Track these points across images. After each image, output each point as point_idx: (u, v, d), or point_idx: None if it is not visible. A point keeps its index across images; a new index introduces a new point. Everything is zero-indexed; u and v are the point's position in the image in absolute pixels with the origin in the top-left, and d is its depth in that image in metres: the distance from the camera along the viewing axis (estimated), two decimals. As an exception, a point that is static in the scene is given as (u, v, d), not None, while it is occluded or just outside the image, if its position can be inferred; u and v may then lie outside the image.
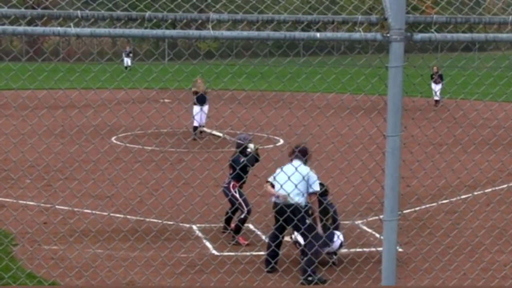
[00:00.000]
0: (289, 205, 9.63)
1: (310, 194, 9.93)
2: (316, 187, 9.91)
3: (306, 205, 9.87)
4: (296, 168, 9.04)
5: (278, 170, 9.91)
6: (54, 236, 10.87)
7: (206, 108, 21.81)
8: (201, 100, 21.67)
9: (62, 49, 50.95)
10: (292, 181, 9.09)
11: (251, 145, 11.60)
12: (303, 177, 9.65)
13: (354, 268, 9.14)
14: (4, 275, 8.58)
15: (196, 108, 21.65)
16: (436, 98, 30.00)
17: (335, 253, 10.38)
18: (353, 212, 11.54)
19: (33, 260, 9.90)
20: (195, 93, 21.78)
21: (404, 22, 4.22)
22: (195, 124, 21.65)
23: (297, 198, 9.76)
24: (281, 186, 9.67)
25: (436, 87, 30.07)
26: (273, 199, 10.05)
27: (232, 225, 11.62)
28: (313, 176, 9.95)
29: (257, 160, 11.48)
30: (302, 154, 10.08)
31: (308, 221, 9.64)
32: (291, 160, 10.10)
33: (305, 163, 10.03)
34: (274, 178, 10.03)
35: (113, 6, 4.91)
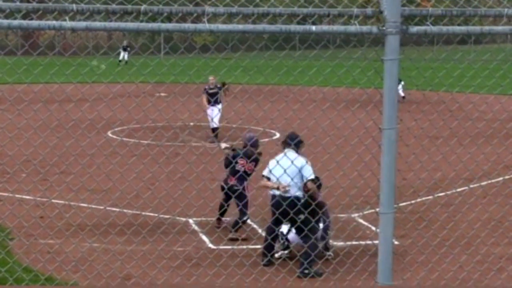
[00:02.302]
0: (287, 198, 9.61)
1: (306, 183, 9.87)
2: (311, 175, 9.85)
3: (303, 197, 9.83)
4: (292, 161, 9.03)
5: (273, 163, 9.86)
6: (50, 230, 10.87)
7: (220, 106, 20.70)
8: (213, 96, 20.46)
9: (58, 43, 50.84)
10: (288, 174, 9.08)
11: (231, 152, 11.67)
12: (299, 170, 9.64)
13: (351, 261, 9.16)
14: (1, 269, 8.57)
15: (209, 109, 20.66)
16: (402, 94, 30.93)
17: (327, 248, 10.34)
18: (349, 205, 11.56)
19: (30, 254, 9.89)
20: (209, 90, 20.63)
21: (399, 15, 4.22)
22: (213, 125, 20.67)
23: (294, 191, 9.75)
24: (277, 178, 9.64)
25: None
26: (271, 191, 10.01)
27: (228, 218, 11.65)
28: (309, 167, 9.91)
29: (255, 161, 11.57)
30: (295, 143, 10.03)
31: (303, 216, 9.57)
32: (284, 149, 10.04)
33: (297, 152, 9.96)
34: (270, 171, 9.99)
35: (108, -1, 4.90)
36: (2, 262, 9.43)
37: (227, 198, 11.66)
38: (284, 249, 10.45)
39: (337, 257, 10.01)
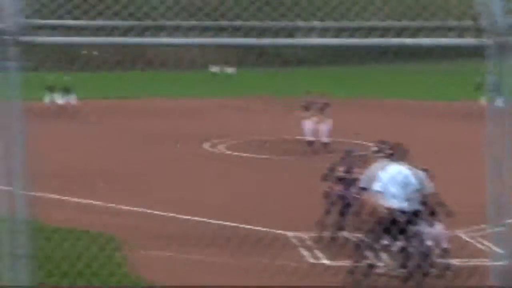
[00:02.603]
0: (404, 212, 9.15)
1: (428, 196, 9.54)
2: (432, 189, 9.52)
3: (418, 211, 9.48)
4: (418, 173, 8.55)
5: (386, 178, 9.34)
6: (149, 240, 11.05)
7: (323, 120, 20.37)
8: (313, 110, 20.33)
9: (167, 57, 52.08)
10: (408, 189, 8.81)
11: None
12: (420, 182, 9.27)
13: (462, 279, 8.87)
14: (106, 278, 8.77)
15: (306, 122, 20.63)
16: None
17: (447, 267, 9.98)
18: (458, 221, 11.19)
19: (136, 264, 10.10)
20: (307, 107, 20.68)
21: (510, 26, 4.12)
22: (317, 139, 20.39)
23: (411, 205, 9.30)
24: (402, 192, 9.15)
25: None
26: (385, 209, 9.35)
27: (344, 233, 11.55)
28: (425, 180, 9.63)
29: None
30: (404, 154, 9.65)
31: (414, 229, 9.21)
32: (392, 161, 9.61)
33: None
34: (383, 186, 9.36)
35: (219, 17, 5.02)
36: (108, 271, 9.59)
37: (332, 209, 11.59)
38: (387, 265, 10.21)
39: (445, 275, 9.73)
